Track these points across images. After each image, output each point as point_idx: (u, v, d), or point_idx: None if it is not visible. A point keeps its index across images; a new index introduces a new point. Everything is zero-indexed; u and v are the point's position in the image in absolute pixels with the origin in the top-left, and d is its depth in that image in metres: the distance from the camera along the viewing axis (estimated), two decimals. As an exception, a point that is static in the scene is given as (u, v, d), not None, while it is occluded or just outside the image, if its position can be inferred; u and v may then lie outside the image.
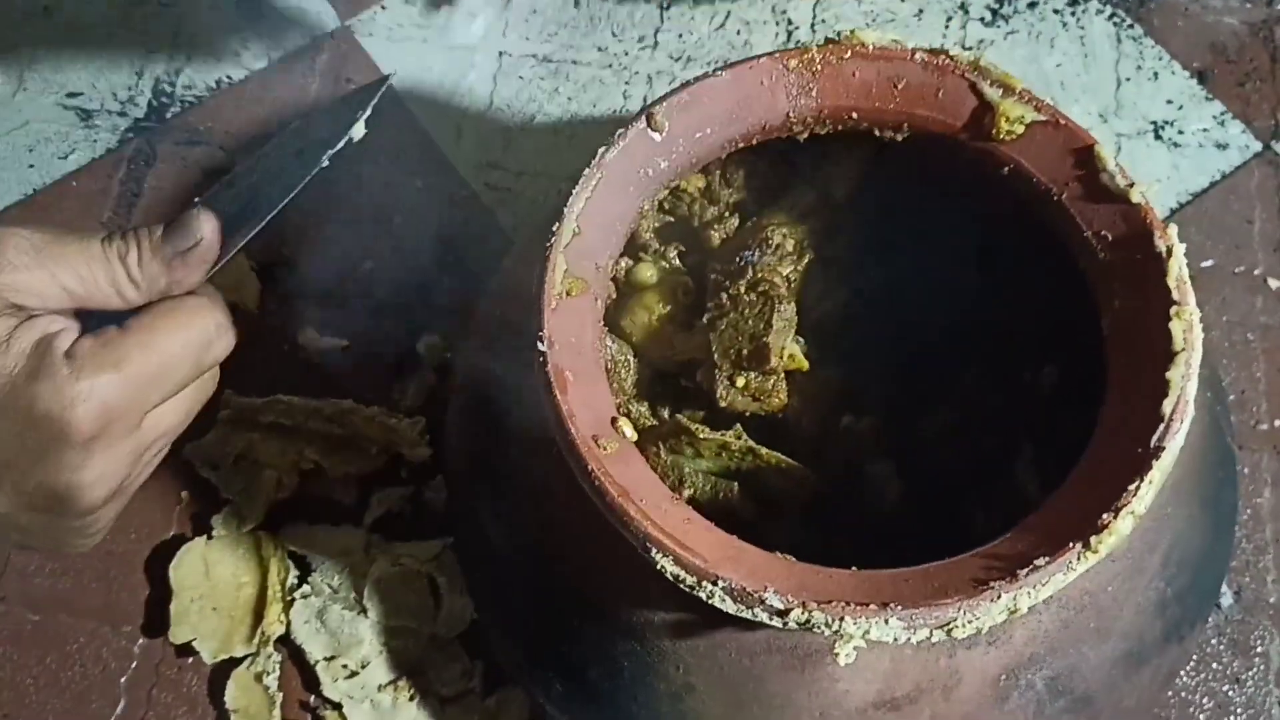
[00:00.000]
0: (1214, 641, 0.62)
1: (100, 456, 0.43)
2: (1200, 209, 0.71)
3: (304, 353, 0.69)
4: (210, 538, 0.64)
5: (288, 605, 0.62)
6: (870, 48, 0.53)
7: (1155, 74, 0.76)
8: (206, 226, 0.46)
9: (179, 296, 0.46)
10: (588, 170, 0.52)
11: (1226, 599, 0.63)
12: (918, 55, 0.53)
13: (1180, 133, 0.74)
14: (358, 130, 0.47)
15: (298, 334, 0.69)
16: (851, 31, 0.54)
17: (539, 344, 0.49)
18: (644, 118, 0.53)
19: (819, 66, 0.54)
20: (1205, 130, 0.74)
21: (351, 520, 0.65)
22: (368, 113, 0.48)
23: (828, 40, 0.54)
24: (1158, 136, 0.74)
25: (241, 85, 0.77)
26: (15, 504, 0.44)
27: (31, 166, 0.75)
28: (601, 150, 0.52)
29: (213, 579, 0.63)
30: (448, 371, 0.68)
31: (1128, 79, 0.76)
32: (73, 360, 0.42)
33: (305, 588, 0.63)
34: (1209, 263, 0.70)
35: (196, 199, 0.48)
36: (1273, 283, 0.70)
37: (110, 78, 0.78)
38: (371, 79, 0.77)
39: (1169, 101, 0.75)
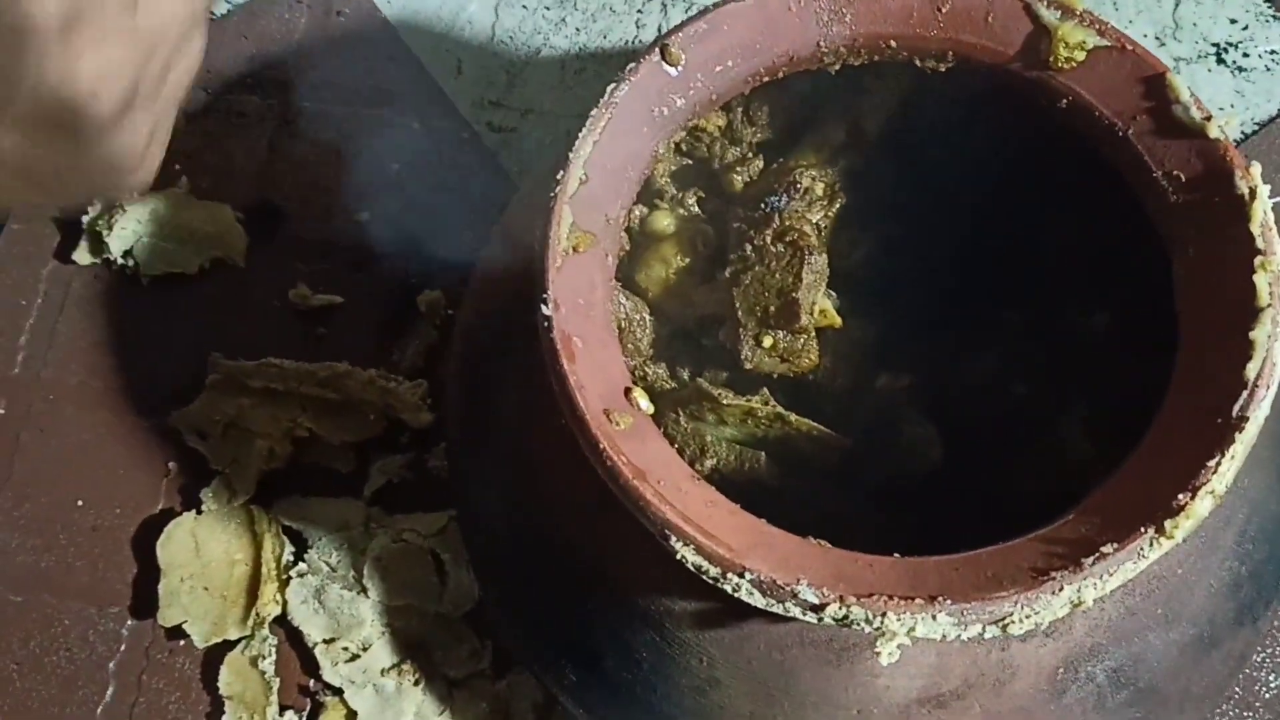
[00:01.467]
0: (1283, 614, 0.57)
1: (91, 47, 0.36)
2: (1269, 139, 0.66)
3: (295, 310, 0.64)
4: (200, 512, 0.60)
5: (283, 584, 0.58)
6: (911, -34, 0.48)
7: (1217, -10, 0.70)
8: None
9: None
10: (595, 110, 0.47)
11: (1298, 569, 0.58)
12: (965, -26, 0.47)
13: (1245, 55, 0.68)
14: None
15: (289, 290, 0.65)
16: (889, -52, 0.48)
17: (543, 307, 0.44)
18: (657, 50, 0.48)
19: (853, -12, 0.48)
20: (1273, 52, 0.68)
21: (350, 491, 0.61)
22: None
23: (863, -42, 0.48)
24: (1220, 60, 0.68)
25: (223, 21, 0.71)
26: (23, 137, 0.36)
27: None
28: (610, 87, 0.47)
29: (203, 557, 0.59)
30: (450, 329, 0.63)
31: (1187, -4, 0.70)
32: None
33: (301, 565, 0.59)
34: (1278, 200, 0.64)
35: None
36: (1348, 219, 0.64)
37: (83, 15, 0.72)
38: (362, 10, 0.71)
39: (1233, 21, 0.69)
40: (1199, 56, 0.68)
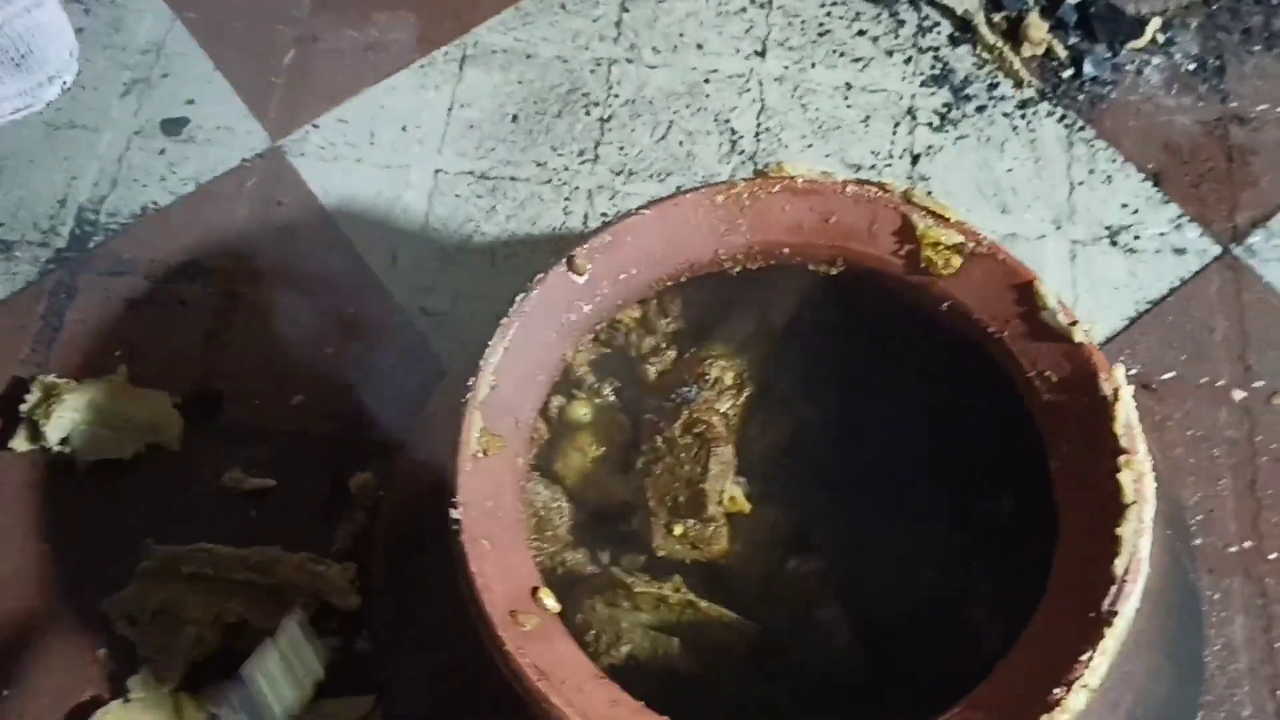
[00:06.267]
0: (1190, 785, 0.58)
1: None
2: (1159, 317, 0.69)
3: (229, 494, 0.66)
4: (127, 700, 0.60)
5: (208, 774, 0.59)
6: (799, 182, 0.51)
7: (1109, 177, 0.74)
8: None
9: None
10: (505, 319, 0.49)
11: (1200, 740, 0.59)
12: (849, 189, 0.51)
13: (1136, 238, 0.72)
14: None
15: (224, 474, 0.66)
16: (779, 164, 0.52)
17: (452, 510, 0.46)
18: (564, 260, 0.51)
19: (746, 202, 0.51)
20: (1162, 234, 0.72)
21: (278, 676, 0.62)
22: None
23: (755, 173, 0.52)
24: (1113, 243, 0.72)
25: (166, 211, 0.74)
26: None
27: (-50, 302, 0.72)
28: (519, 297, 0.50)
29: (129, 746, 0.59)
30: (380, 511, 0.65)
31: (1080, 183, 0.74)
32: None
33: (227, 753, 0.59)
34: (1170, 375, 0.67)
35: None
36: (1237, 394, 0.67)
37: (32, 207, 0.75)
38: (302, 200, 0.75)
39: (1124, 205, 0.73)
40: (1094, 239, 0.72)
